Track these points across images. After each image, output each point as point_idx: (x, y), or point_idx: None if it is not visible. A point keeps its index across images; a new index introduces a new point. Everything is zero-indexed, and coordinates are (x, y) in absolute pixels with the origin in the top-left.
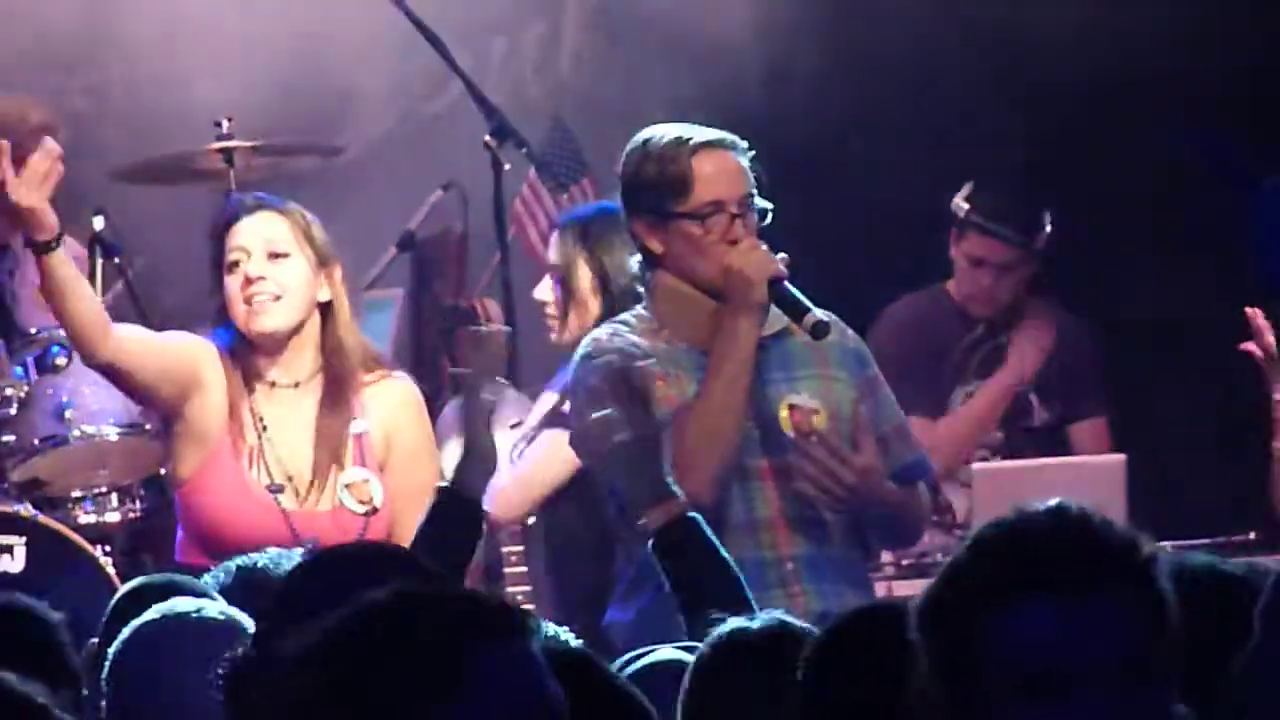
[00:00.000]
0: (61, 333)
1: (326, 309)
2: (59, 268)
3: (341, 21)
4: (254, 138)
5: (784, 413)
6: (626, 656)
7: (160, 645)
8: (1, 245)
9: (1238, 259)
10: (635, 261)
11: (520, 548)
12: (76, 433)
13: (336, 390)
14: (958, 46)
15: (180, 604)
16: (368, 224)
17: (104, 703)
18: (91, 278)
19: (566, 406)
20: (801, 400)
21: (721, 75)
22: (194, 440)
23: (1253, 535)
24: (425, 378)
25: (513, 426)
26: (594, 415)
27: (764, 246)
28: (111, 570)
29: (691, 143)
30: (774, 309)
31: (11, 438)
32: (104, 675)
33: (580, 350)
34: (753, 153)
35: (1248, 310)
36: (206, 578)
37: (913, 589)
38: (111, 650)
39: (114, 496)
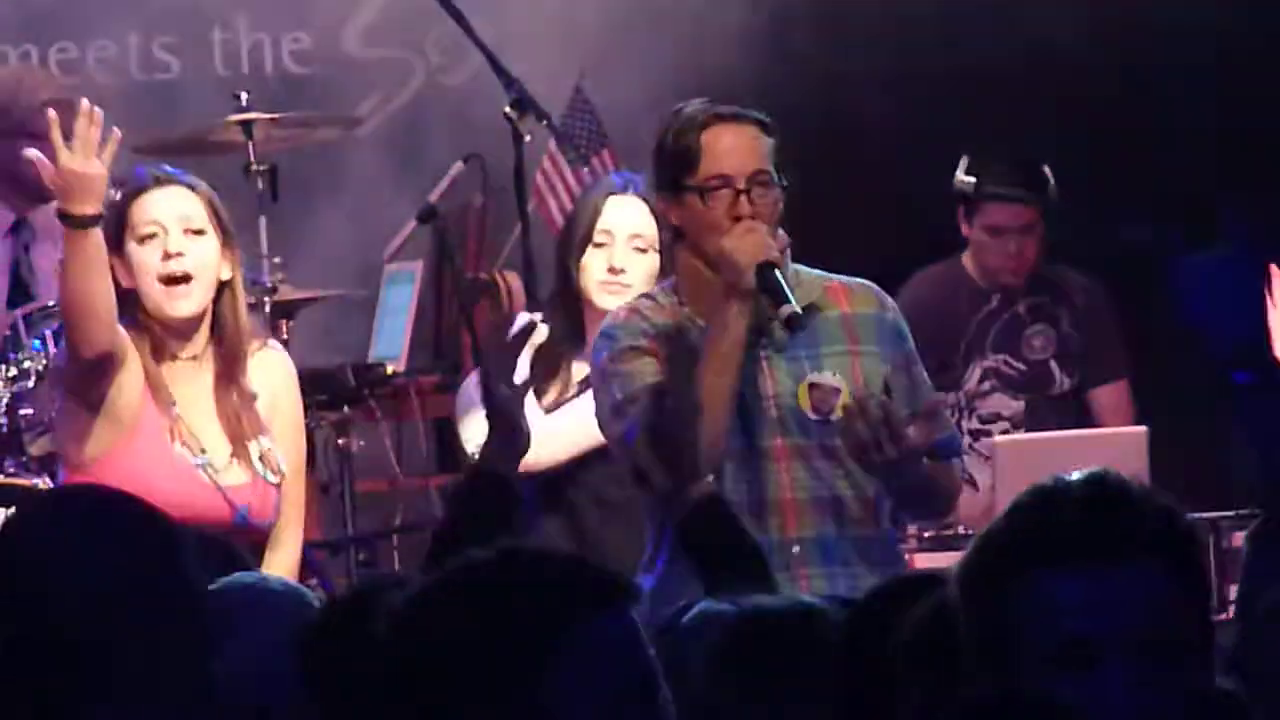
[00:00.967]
0: None
1: (222, 287)
2: (96, 244)
3: None
4: (273, 110)
5: (804, 391)
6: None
7: (234, 613)
8: (19, 218)
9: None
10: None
11: None
12: None
13: (234, 364)
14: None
15: (244, 576)
16: (388, 196)
17: None
18: None
19: None
20: (824, 379)
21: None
22: (110, 419)
23: None
24: (446, 350)
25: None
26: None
27: (763, 229)
28: None
29: (705, 115)
30: (804, 285)
31: (30, 411)
32: None
33: (602, 326)
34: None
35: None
36: None
37: (933, 561)
38: None
39: None
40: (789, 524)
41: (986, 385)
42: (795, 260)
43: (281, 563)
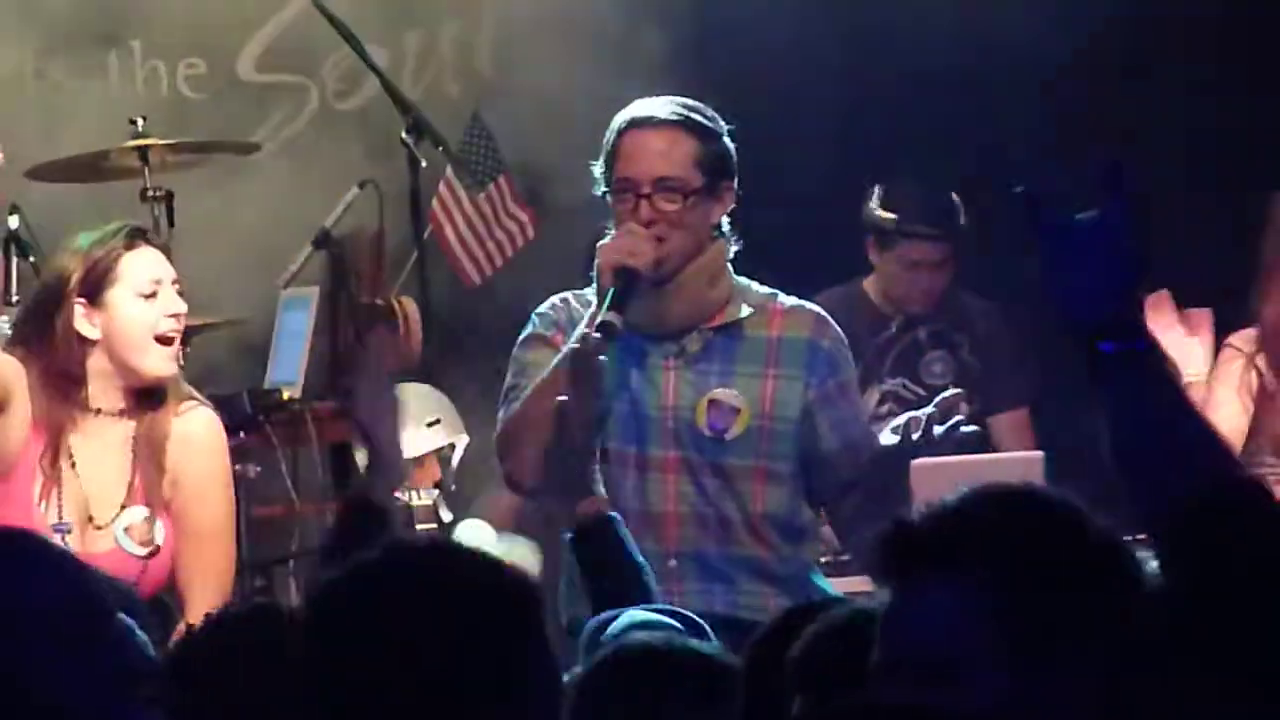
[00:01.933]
0: None
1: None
2: None
3: (257, 17)
4: (169, 135)
5: (702, 407)
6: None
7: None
8: None
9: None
10: None
11: None
12: None
13: (158, 424)
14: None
15: None
16: (284, 222)
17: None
18: (6, 276)
19: None
20: (725, 397)
21: (643, 71)
22: None
23: None
24: (342, 376)
25: (430, 424)
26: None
27: (641, 234)
28: None
29: (625, 118)
30: (741, 300)
31: None
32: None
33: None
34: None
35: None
36: None
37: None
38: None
39: None
40: (669, 537)
41: (884, 409)
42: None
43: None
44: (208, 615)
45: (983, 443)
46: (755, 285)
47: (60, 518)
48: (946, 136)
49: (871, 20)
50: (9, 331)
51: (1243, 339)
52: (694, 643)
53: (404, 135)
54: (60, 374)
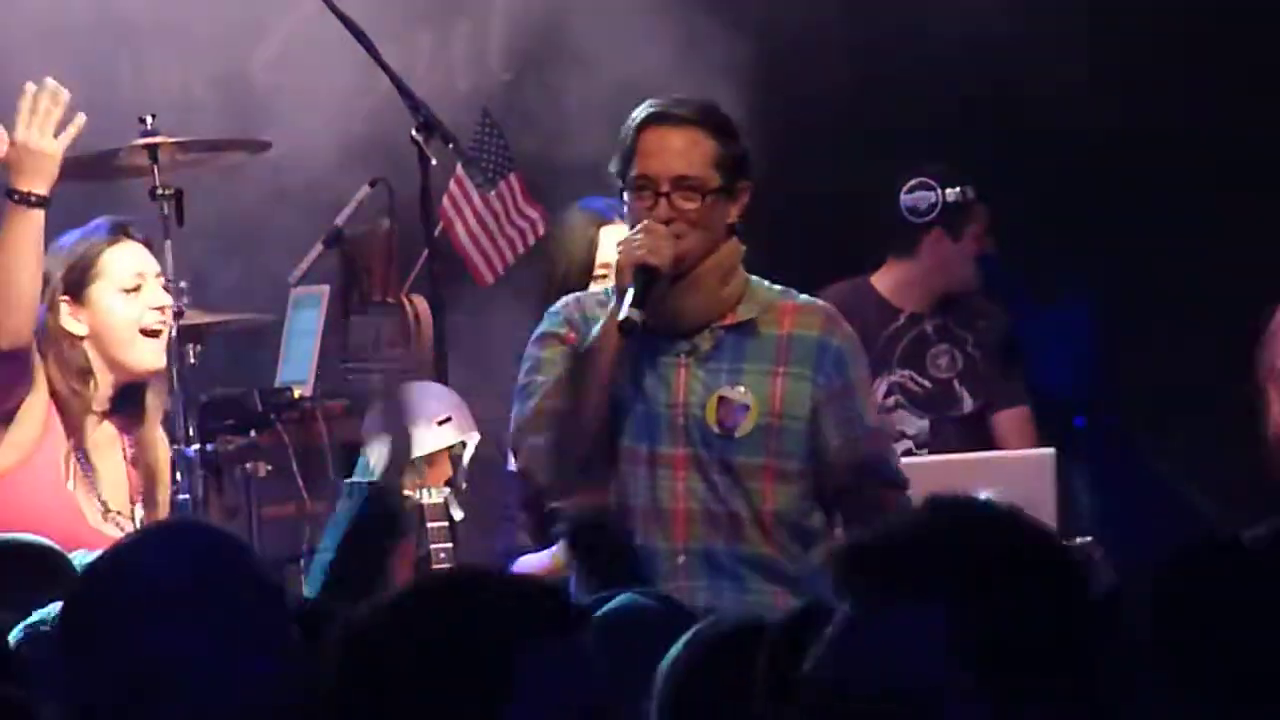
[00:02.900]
0: None
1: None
2: (38, 227)
3: (267, 16)
4: (179, 134)
5: (712, 404)
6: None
7: None
8: None
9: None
10: None
11: (449, 545)
12: None
13: (146, 433)
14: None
15: None
16: (295, 220)
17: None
18: None
19: None
20: (734, 394)
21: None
22: (12, 443)
23: None
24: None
25: (440, 422)
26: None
27: (661, 232)
28: None
29: (644, 114)
30: (754, 298)
31: None
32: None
33: None
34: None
35: None
36: None
37: None
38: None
39: None
40: (678, 533)
41: (891, 401)
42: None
43: None
44: None
45: None
46: (767, 283)
47: (105, 505)
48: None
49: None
50: None
51: None
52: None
53: (414, 133)
54: (63, 372)
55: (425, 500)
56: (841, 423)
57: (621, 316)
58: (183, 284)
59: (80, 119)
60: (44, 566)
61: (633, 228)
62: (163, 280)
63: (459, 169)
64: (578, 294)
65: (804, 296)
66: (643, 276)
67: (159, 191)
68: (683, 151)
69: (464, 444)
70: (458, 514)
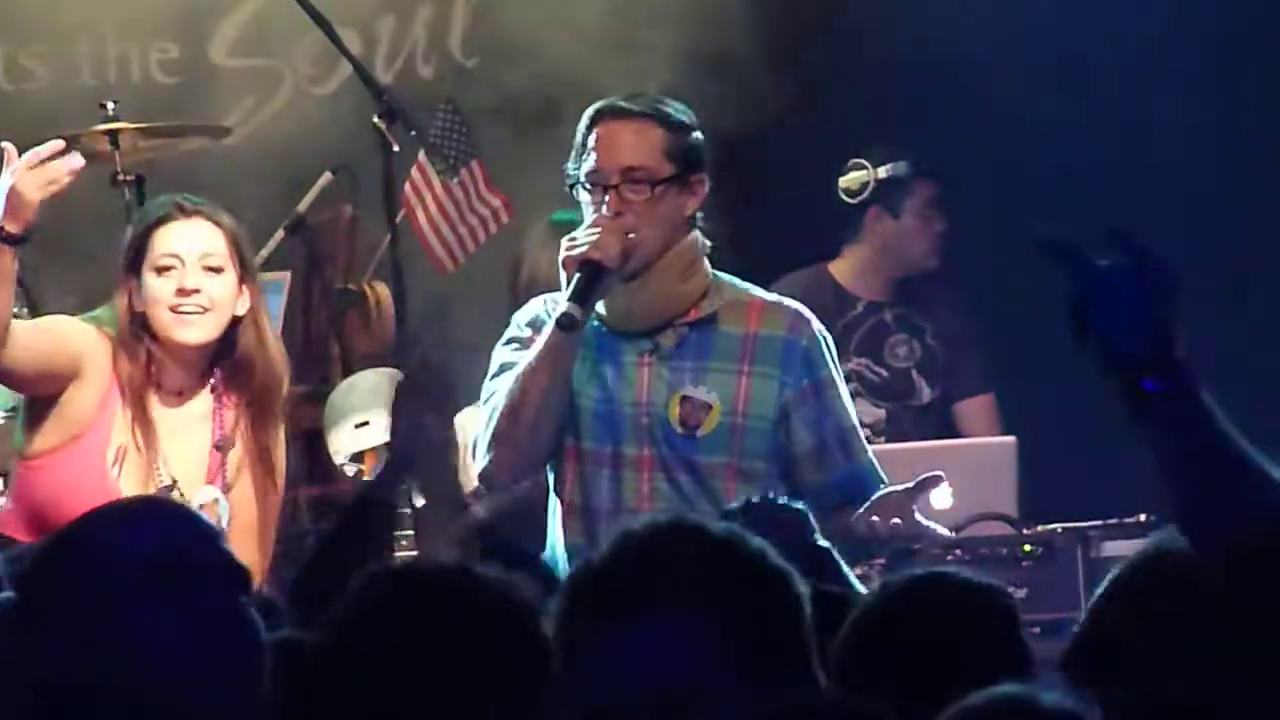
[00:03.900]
0: None
1: (236, 321)
2: (7, 263)
3: (229, 2)
4: (140, 120)
5: (675, 403)
6: None
7: None
8: None
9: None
10: None
11: (410, 531)
12: None
13: (265, 403)
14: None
15: None
16: (257, 207)
17: None
18: None
19: None
20: (696, 394)
21: (617, 53)
22: (62, 420)
23: (1143, 517)
24: (314, 361)
25: (357, 426)
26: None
27: (612, 228)
28: None
29: (593, 112)
30: (719, 294)
31: None
32: None
33: None
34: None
35: None
36: None
37: None
38: None
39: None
40: None
41: (849, 388)
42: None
43: None
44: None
45: None
46: (734, 280)
47: (156, 486)
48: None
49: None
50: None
51: None
52: None
53: (376, 120)
54: (130, 346)
55: None
56: (811, 423)
57: (559, 312)
58: None
59: (66, 182)
60: None
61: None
62: (207, 261)
63: (421, 156)
64: (544, 295)
65: (771, 294)
66: (586, 272)
67: (120, 176)
68: (631, 143)
69: None
70: (419, 500)
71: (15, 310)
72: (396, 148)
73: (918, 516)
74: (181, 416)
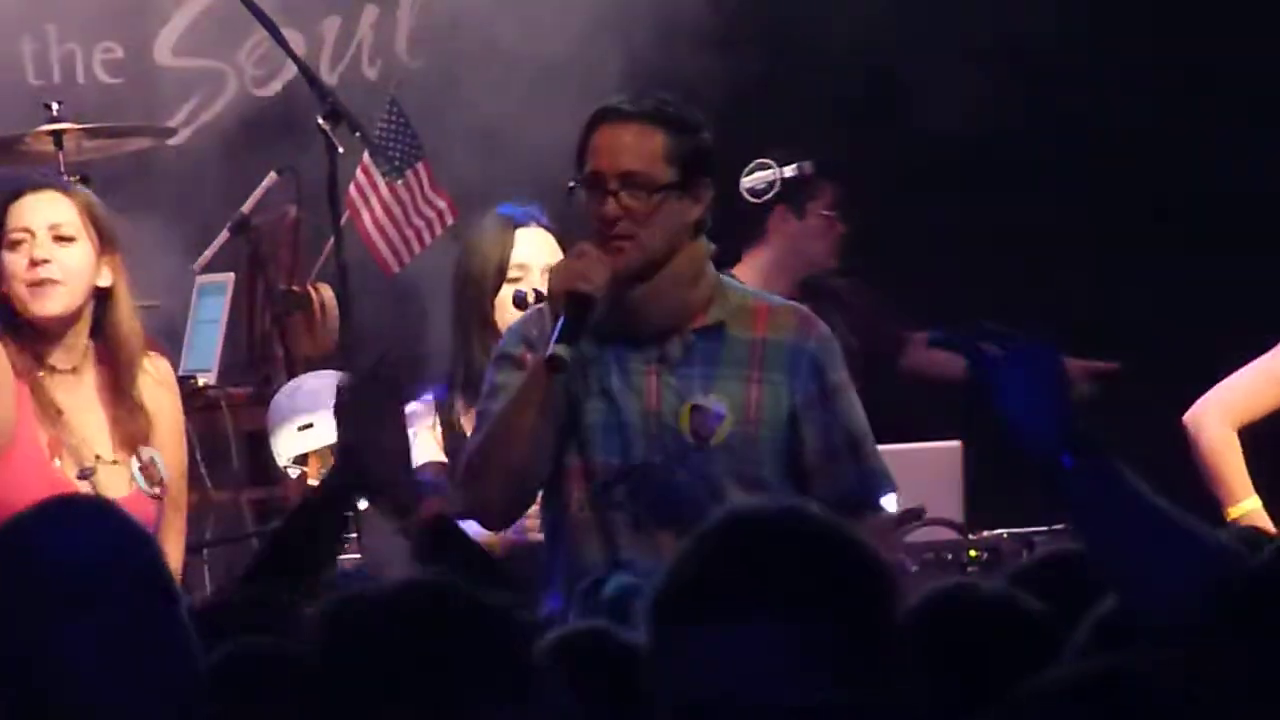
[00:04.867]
0: None
1: (103, 294)
2: None
3: (173, 2)
4: (84, 120)
5: (685, 413)
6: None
7: None
8: None
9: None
10: None
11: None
12: None
13: (123, 372)
14: None
15: None
16: (201, 207)
17: None
18: None
19: None
20: (707, 403)
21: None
22: None
23: None
24: (258, 363)
25: (301, 429)
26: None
27: (593, 255)
28: None
29: (598, 110)
30: (725, 301)
31: None
32: None
33: None
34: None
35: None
36: None
37: None
38: None
39: None
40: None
41: None
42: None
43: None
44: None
45: None
46: (740, 285)
47: (81, 465)
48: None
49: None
50: None
51: None
52: None
53: (321, 121)
54: (7, 336)
55: None
56: (821, 430)
57: (548, 354)
58: None
59: None
60: None
61: (589, 231)
62: (56, 231)
63: (366, 157)
64: (540, 307)
65: (778, 298)
66: (574, 309)
67: (64, 177)
68: (631, 146)
69: None
70: (362, 503)
71: None
72: (341, 149)
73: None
74: (83, 393)
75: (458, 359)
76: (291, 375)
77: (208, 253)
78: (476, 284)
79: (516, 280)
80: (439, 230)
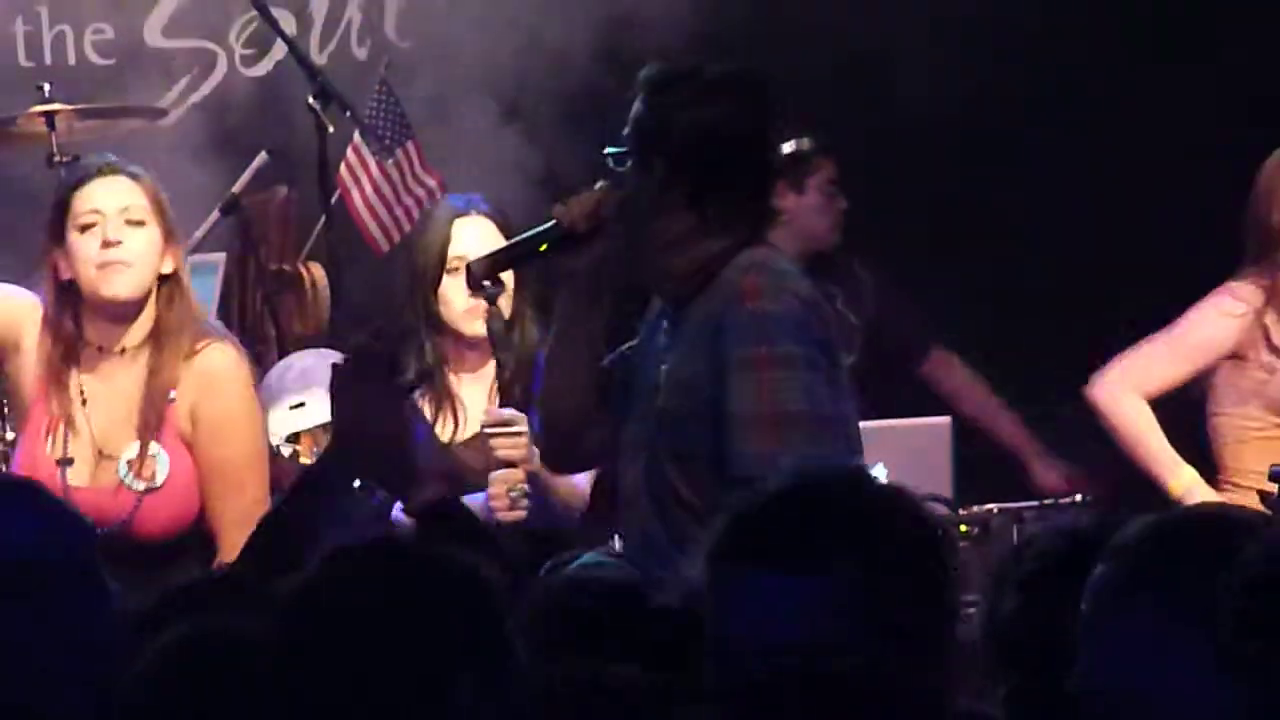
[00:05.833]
0: None
1: (163, 281)
2: None
3: None
4: (76, 101)
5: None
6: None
7: None
8: None
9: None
10: None
11: None
12: None
13: (161, 360)
14: None
15: None
16: (192, 188)
17: None
18: None
19: None
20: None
21: (549, 33)
22: (18, 401)
23: (1079, 497)
24: (249, 343)
25: (293, 408)
26: None
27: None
28: None
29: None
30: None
31: None
32: None
33: None
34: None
35: None
36: None
37: None
38: None
39: None
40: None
41: None
42: None
43: None
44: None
45: None
46: (739, 259)
47: (65, 453)
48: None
49: None
50: None
51: (1249, 293)
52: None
53: (311, 101)
54: (55, 316)
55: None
56: (723, 399)
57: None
58: None
59: None
60: None
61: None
62: (127, 215)
63: (356, 137)
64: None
65: (748, 273)
66: (547, 233)
67: (56, 158)
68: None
69: None
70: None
71: None
72: (331, 129)
73: None
74: (124, 378)
75: (406, 350)
76: (283, 354)
77: (198, 233)
78: (419, 276)
79: (456, 270)
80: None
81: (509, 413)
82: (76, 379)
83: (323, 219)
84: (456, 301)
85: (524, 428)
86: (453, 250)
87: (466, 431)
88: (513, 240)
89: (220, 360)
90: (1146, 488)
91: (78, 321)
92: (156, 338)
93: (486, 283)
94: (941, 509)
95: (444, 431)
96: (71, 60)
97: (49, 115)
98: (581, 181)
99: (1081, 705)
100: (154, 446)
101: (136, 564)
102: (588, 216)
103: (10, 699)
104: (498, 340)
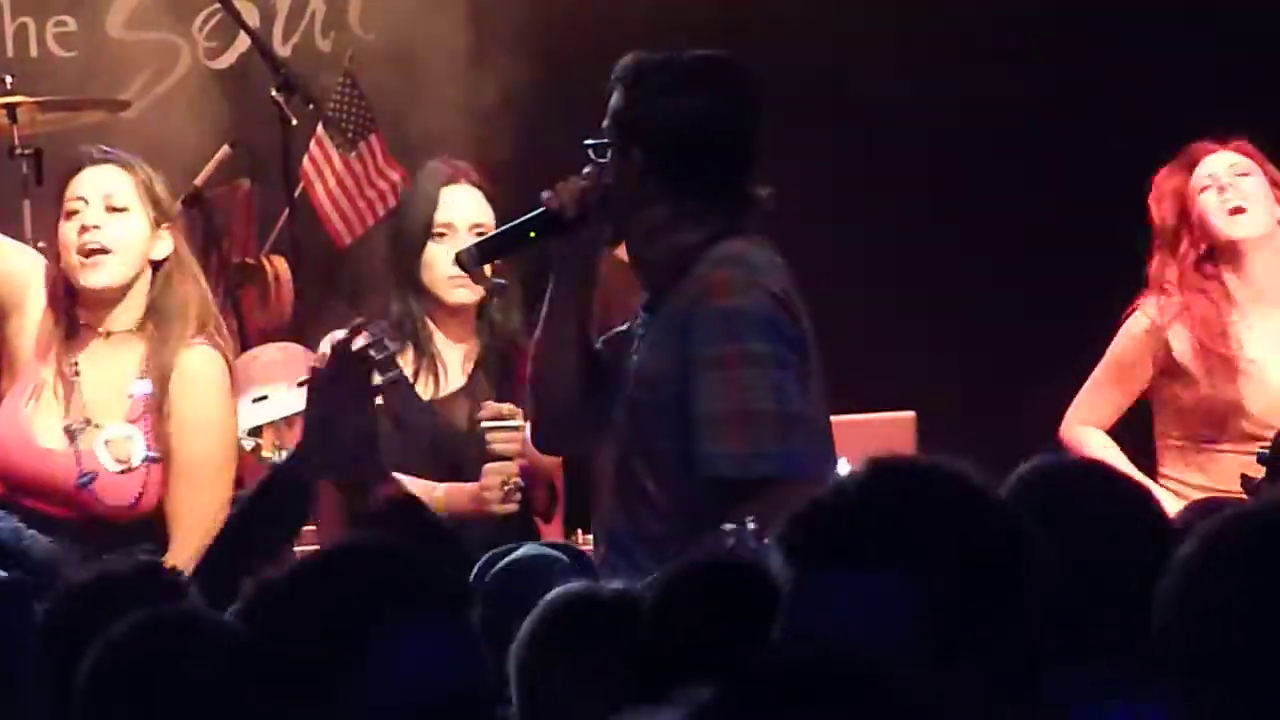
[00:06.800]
0: None
1: (159, 265)
2: None
3: None
4: (38, 94)
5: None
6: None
7: None
8: None
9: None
10: None
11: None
12: None
13: (162, 344)
14: None
15: None
16: None
17: None
18: None
19: None
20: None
21: (509, 26)
22: (9, 360)
23: None
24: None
25: (300, 384)
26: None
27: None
28: None
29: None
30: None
31: None
32: None
33: None
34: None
35: None
36: None
37: None
38: None
39: None
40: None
41: None
42: None
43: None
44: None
45: None
46: (716, 253)
47: (44, 417)
48: None
49: None
50: None
51: (1152, 307)
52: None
53: (274, 93)
54: (53, 297)
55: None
56: (688, 401)
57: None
58: (40, 244)
59: None
60: None
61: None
62: (110, 201)
63: (319, 130)
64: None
65: (720, 267)
66: (536, 219)
67: (18, 151)
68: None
69: None
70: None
71: None
72: (295, 121)
73: None
74: (117, 360)
75: (391, 316)
76: (246, 348)
77: None
78: (405, 241)
79: (442, 237)
80: (391, 203)
81: (505, 407)
82: (71, 355)
83: (285, 212)
84: (440, 267)
85: (519, 422)
86: (439, 216)
87: (447, 388)
88: (501, 228)
89: (201, 361)
90: None
91: (73, 303)
92: (155, 322)
93: (497, 280)
94: None
95: (425, 390)
96: (34, 53)
97: (11, 108)
98: (553, 175)
99: None
100: (128, 429)
101: (88, 540)
102: (576, 202)
103: None
104: (495, 330)
